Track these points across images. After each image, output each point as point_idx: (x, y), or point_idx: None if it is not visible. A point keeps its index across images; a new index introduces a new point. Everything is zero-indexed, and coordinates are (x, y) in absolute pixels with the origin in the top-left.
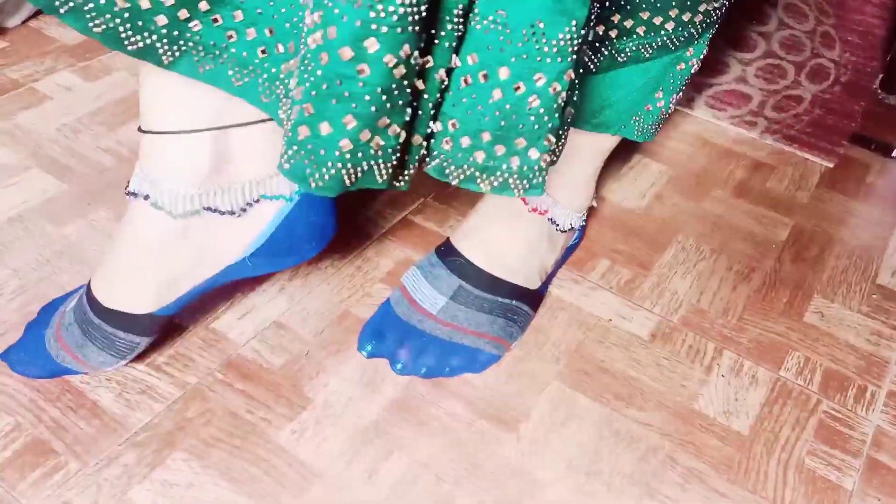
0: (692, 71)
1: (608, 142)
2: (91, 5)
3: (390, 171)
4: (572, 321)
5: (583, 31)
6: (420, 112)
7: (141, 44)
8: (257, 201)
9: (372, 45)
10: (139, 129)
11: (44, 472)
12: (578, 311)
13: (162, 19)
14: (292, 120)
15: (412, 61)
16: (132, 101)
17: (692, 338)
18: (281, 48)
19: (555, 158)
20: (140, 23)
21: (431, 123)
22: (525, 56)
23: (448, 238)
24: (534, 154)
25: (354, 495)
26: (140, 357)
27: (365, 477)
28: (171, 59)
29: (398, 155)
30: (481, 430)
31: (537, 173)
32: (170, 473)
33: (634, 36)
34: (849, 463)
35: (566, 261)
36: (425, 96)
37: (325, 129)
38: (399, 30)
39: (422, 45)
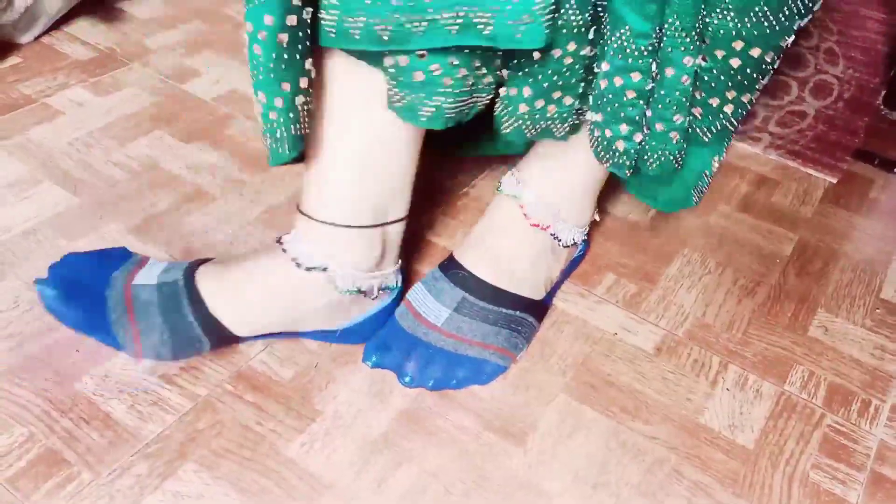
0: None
1: None
2: None
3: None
4: (578, 334)
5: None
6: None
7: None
8: (383, 290)
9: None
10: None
11: (57, 482)
12: (584, 324)
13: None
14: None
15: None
16: (142, 116)
17: (697, 351)
18: None
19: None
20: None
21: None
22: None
23: (451, 253)
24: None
25: None
26: (152, 369)
27: (374, 487)
28: None
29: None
30: (489, 441)
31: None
32: (181, 485)
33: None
34: (853, 477)
35: (571, 273)
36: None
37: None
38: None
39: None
